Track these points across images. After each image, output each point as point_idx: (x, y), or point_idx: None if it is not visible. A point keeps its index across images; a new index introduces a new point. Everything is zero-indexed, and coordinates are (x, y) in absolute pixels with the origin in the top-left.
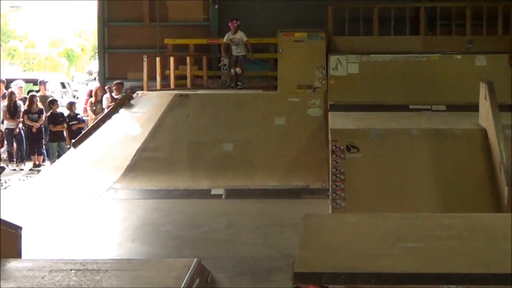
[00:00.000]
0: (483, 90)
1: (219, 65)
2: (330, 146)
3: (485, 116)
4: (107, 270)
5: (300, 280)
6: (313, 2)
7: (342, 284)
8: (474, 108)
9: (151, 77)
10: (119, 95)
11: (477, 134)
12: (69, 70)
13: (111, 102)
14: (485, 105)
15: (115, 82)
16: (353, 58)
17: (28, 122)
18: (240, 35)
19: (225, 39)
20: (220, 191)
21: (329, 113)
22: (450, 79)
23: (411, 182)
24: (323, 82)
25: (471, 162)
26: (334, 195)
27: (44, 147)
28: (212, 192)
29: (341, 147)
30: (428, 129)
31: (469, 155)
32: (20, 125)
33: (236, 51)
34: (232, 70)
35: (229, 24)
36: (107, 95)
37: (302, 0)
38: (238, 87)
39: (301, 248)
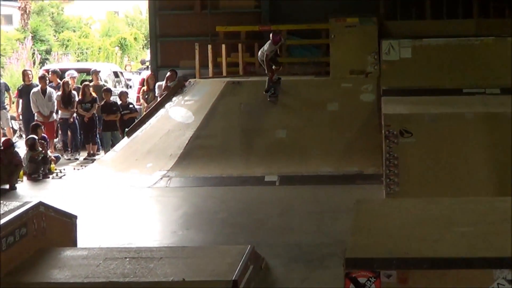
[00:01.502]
0: None
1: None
2: (383, 131)
3: None
4: (161, 258)
5: (352, 266)
6: None
7: (393, 269)
8: None
9: (203, 65)
10: (172, 83)
11: None
12: (122, 59)
13: (163, 90)
14: None
15: (169, 71)
16: (405, 42)
17: (80, 112)
18: (281, 42)
19: (268, 51)
20: (274, 178)
21: (382, 98)
22: (504, 62)
23: (465, 166)
24: (376, 67)
25: None
26: (388, 180)
27: (98, 136)
28: (266, 179)
29: (395, 132)
30: (483, 112)
31: None
32: (75, 114)
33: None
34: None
35: (273, 36)
36: (159, 83)
37: None
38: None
39: (353, 234)
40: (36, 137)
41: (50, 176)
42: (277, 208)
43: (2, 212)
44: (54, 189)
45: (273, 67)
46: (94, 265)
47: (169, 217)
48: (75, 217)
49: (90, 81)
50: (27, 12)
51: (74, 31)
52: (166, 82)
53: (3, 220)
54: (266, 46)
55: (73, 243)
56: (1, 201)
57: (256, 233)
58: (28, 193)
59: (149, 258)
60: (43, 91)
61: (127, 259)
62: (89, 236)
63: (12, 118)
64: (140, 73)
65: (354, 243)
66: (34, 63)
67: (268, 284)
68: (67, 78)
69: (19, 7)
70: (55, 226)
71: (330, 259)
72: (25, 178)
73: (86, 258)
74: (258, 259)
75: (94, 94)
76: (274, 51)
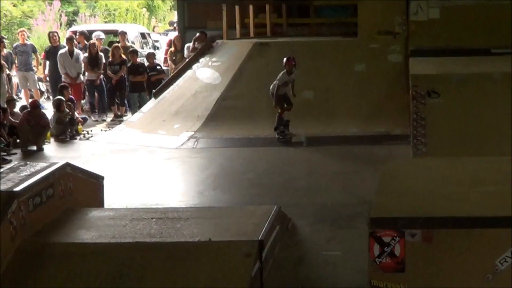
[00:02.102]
0: None
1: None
2: (410, 92)
3: None
4: (187, 218)
5: (377, 225)
6: None
7: (418, 228)
8: None
9: (231, 26)
10: (200, 45)
11: None
12: (150, 20)
13: (191, 52)
14: None
15: (199, 33)
16: (434, 2)
17: (109, 74)
18: (294, 75)
19: (280, 82)
20: (301, 139)
21: (410, 59)
22: None
23: (493, 126)
24: (404, 28)
25: None
26: (415, 140)
27: (125, 98)
28: (293, 140)
29: (422, 93)
30: (510, 73)
31: None
32: (102, 76)
33: (283, 91)
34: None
35: (287, 62)
36: (188, 45)
37: None
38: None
39: (378, 193)
40: (63, 99)
41: (77, 137)
42: (304, 168)
43: (29, 173)
44: (81, 150)
45: (285, 105)
46: (121, 225)
47: (196, 178)
48: (102, 178)
49: (117, 42)
50: None
51: None
52: (194, 43)
53: (30, 181)
54: (278, 76)
55: (100, 203)
56: (28, 162)
57: (283, 193)
58: (55, 154)
59: (176, 219)
60: (70, 52)
61: (154, 220)
62: (116, 196)
63: (39, 79)
64: (167, 35)
65: (379, 202)
66: (61, 25)
67: (294, 243)
68: (94, 40)
69: None
70: (82, 187)
71: (356, 219)
72: (52, 139)
73: (113, 218)
74: (285, 219)
75: (123, 56)
76: (285, 82)
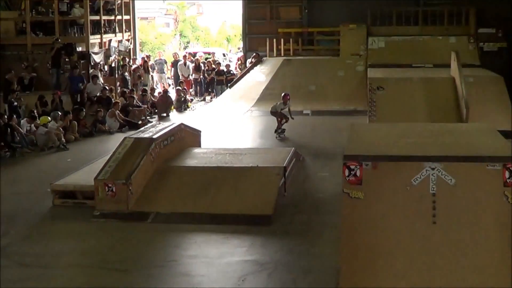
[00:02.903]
0: (453, 56)
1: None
2: (368, 87)
3: (454, 70)
4: (245, 154)
5: (347, 159)
6: (360, 5)
7: (369, 161)
8: (448, 66)
9: (271, 50)
10: (254, 60)
11: (450, 80)
12: (228, 46)
13: (250, 64)
14: (454, 64)
15: (255, 53)
16: (382, 38)
17: (206, 75)
18: (288, 105)
19: (279, 109)
20: (308, 111)
21: (368, 69)
22: (435, 49)
23: (412, 107)
24: (365, 52)
25: (446, 95)
26: (370, 113)
27: (214, 88)
28: (304, 112)
29: (374, 87)
30: (423, 77)
31: (445, 91)
32: (201, 76)
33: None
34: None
35: (283, 97)
36: (248, 60)
37: (355, 2)
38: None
39: (348, 142)
40: (180, 88)
41: (188, 109)
42: (309, 128)
43: (161, 128)
44: (190, 116)
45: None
46: (209, 157)
47: (252, 132)
48: (200, 131)
49: (210, 58)
50: (177, 21)
51: (202, 31)
52: (252, 59)
53: (162, 132)
54: (278, 103)
55: (198, 145)
56: (161, 122)
57: (298, 140)
58: (176, 118)
59: (239, 154)
60: (185, 63)
61: (228, 154)
62: (207, 141)
63: (168, 78)
64: (237, 54)
65: (348, 147)
66: (180, 48)
67: (304, 168)
68: (197, 56)
69: (173, 18)
70: (189, 136)
71: (339, 155)
72: (174, 110)
73: (205, 153)
74: (298, 155)
75: (213, 66)
76: (283, 108)
